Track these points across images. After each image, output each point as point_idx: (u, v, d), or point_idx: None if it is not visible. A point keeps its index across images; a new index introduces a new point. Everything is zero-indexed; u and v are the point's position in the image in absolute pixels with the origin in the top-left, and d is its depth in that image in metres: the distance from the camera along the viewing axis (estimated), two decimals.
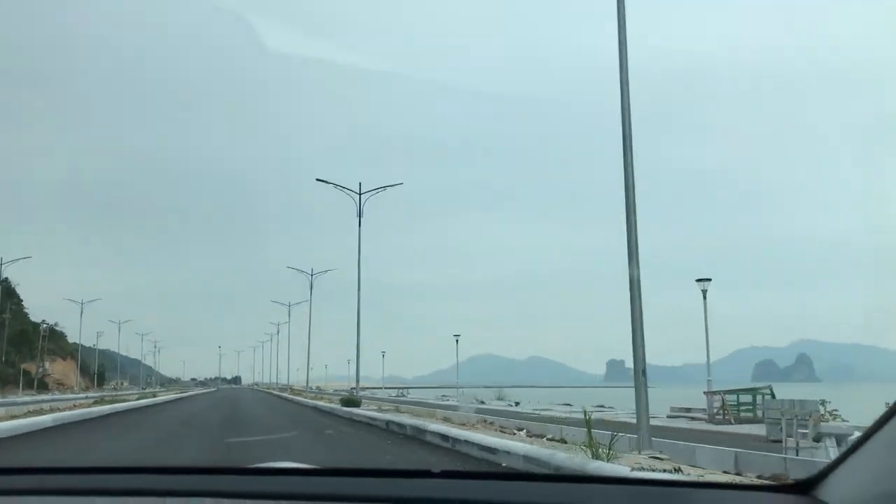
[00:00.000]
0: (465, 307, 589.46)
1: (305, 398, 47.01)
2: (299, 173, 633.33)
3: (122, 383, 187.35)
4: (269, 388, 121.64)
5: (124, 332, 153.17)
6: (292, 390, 73.81)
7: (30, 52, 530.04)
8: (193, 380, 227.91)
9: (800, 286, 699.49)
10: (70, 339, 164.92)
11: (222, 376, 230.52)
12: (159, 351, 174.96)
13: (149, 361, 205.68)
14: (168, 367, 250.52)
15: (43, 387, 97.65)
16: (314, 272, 60.16)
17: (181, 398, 53.78)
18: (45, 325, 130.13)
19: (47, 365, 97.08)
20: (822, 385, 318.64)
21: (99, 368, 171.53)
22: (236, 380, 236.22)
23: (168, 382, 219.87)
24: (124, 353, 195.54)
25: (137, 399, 45.12)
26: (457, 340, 48.18)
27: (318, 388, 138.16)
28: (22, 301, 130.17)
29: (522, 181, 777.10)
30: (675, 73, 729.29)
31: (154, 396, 50.91)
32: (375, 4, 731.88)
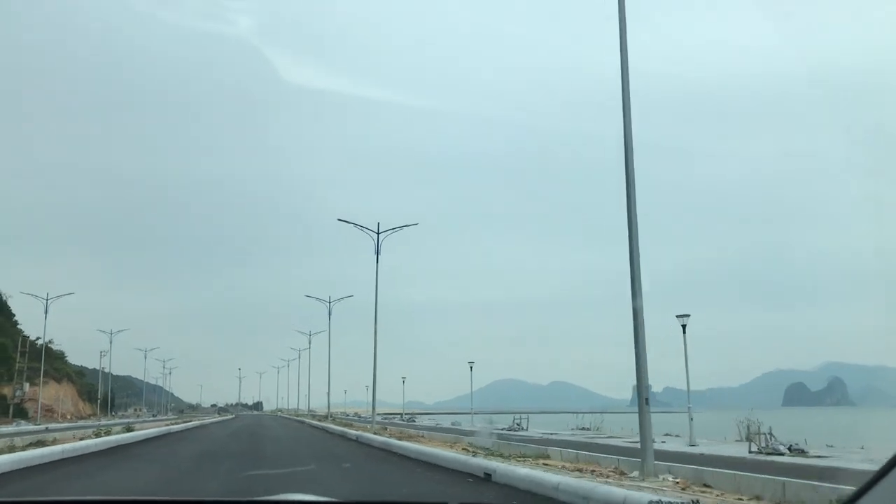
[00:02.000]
0: (485, 331, 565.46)
1: (392, 438, 25.44)
2: (315, 195, 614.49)
3: (139, 410, 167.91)
4: (298, 415, 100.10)
5: (130, 351, 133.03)
6: (335, 419, 52.59)
7: (50, 75, 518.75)
8: (214, 406, 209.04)
9: (826, 306, 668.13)
10: (73, 361, 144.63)
11: (242, 402, 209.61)
12: (170, 372, 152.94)
13: (169, 387, 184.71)
14: (188, 392, 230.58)
15: (21, 414, 76.38)
16: (332, 300, 58.33)
17: (167, 434, 33.08)
18: (38, 341, 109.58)
19: (27, 388, 76.08)
20: (857, 410, 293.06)
21: (109, 393, 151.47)
22: (258, 405, 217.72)
23: (187, 409, 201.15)
24: (141, 378, 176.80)
25: (82, 439, 23.92)
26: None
27: (356, 413, 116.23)
28: (14, 316, 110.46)
29: (544, 202, 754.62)
30: (689, 91, 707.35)
31: (127, 431, 29.51)
32: (379, 34, 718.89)
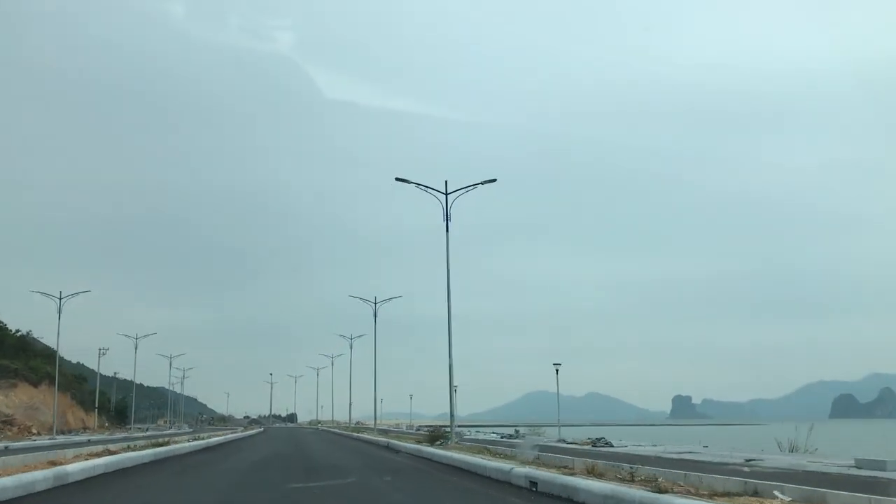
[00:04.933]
0: (519, 343, 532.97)
1: None
2: (351, 208, 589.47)
3: (168, 422, 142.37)
4: (351, 429, 72.00)
5: (162, 362, 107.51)
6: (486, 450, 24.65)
7: (94, 95, 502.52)
8: (246, 417, 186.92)
9: (870, 316, 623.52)
10: (68, 359, 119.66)
11: (275, 413, 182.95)
12: (185, 375, 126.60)
13: (185, 391, 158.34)
14: (223, 405, 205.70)
15: None
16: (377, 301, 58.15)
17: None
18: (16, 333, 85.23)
19: None
20: None
21: (119, 403, 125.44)
22: (291, 417, 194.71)
23: (217, 420, 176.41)
24: (176, 391, 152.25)
25: None
26: None
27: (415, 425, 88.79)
28: None
29: (575, 213, 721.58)
30: (739, 95, 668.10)
31: None
32: (410, 46, 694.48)
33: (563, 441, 36.77)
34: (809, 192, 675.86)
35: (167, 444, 24.15)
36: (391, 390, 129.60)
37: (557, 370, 40.20)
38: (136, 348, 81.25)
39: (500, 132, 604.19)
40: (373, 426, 69.10)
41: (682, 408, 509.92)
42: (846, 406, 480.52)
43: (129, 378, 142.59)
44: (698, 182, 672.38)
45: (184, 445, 26.31)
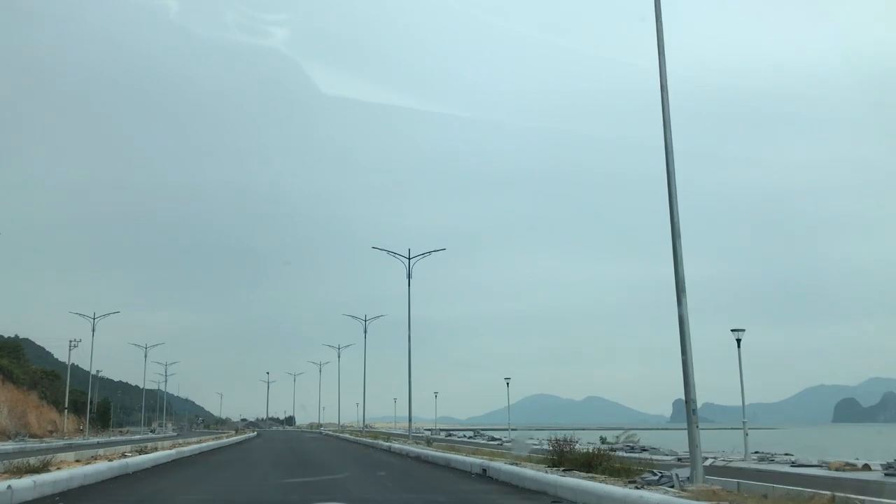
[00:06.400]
0: (517, 346, 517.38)
1: None
2: (348, 207, 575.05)
3: (163, 425, 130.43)
4: (372, 435, 58.91)
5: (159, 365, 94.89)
6: None
7: (90, 93, 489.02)
8: (243, 420, 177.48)
9: (870, 319, 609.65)
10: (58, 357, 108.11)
11: (272, 416, 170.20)
12: (166, 373, 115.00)
13: (167, 390, 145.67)
14: (221, 408, 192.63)
15: None
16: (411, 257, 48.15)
17: None
18: None
19: None
20: None
21: (103, 403, 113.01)
22: (289, 420, 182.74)
23: (215, 423, 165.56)
24: (171, 393, 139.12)
25: None
26: None
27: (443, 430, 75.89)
28: None
29: (574, 214, 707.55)
30: (735, 97, 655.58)
31: None
32: (413, 43, 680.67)
33: (791, 459, 23.64)
34: (809, 193, 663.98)
35: (42, 469, 11.35)
36: (388, 393, 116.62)
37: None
38: (93, 330, 68.41)
39: (500, 130, 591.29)
40: (389, 430, 56.14)
41: (683, 412, 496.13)
42: (848, 410, 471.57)
43: (114, 378, 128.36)
44: (699, 182, 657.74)
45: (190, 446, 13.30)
